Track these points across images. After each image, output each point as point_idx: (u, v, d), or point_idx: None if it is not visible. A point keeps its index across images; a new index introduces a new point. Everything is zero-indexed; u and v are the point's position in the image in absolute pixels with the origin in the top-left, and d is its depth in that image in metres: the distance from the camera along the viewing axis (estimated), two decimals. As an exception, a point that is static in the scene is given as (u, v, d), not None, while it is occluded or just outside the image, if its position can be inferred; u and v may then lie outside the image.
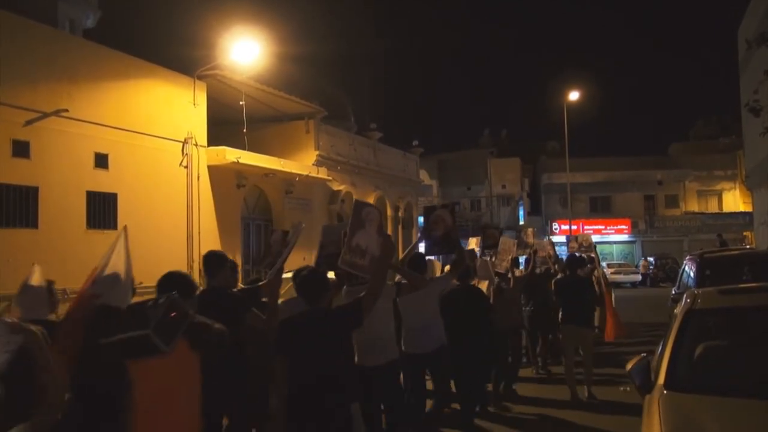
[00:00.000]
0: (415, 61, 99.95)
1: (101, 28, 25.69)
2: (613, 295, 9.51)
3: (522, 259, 9.18)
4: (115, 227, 11.37)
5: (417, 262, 5.43)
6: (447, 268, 6.24)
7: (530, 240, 9.05)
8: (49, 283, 3.85)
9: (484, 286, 7.34)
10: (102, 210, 11.25)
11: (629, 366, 3.81)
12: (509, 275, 7.73)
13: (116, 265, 3.51)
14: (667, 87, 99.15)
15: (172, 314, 2.84)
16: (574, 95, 28.36)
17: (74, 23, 23.70)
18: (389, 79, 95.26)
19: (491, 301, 7.12)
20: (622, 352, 9.26)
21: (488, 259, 7.90)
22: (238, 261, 14.98)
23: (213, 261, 4.41)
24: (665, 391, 3.39)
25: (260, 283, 4.49)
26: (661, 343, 4.27)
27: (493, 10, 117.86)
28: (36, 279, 3.77)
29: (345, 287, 4.72)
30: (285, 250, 4.12)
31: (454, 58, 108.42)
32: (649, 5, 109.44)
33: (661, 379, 3.49)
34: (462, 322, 5.74)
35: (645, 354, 3.91)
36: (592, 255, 9.49)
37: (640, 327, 12.72)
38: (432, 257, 7.03)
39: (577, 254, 8.78)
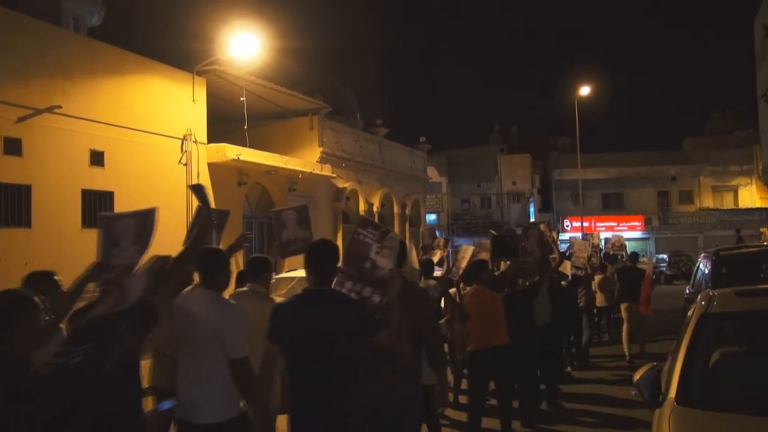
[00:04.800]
0: (424, 57, 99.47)
1: (106, 26, 25.55)
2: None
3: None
4: (111, 226, 11.13)
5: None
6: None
7: (595, 241, 11.40)
8: None
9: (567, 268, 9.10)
10: (98, 208, 10.98)
11: (637, 376, 3.45)
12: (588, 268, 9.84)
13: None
14: (681, 80, 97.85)
15: None
16: (585, 90, 27.80)
17: (78, 21, 23.57)
18: (397, 74, 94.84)
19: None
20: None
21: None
22: (240, 260, 14.72)
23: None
24: (677, 406, 3.03)
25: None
26: (672, 349, 3.90)
27: (504, 4, 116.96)
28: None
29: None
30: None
31: (463, 53, 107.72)
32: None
33: (672, 393, 3.13)
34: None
35: (654, 363, 3.54)
36: (623, 253, 12.30)
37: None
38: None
39: (610, 253, 12.17)
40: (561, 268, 8.61)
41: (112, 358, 2.37)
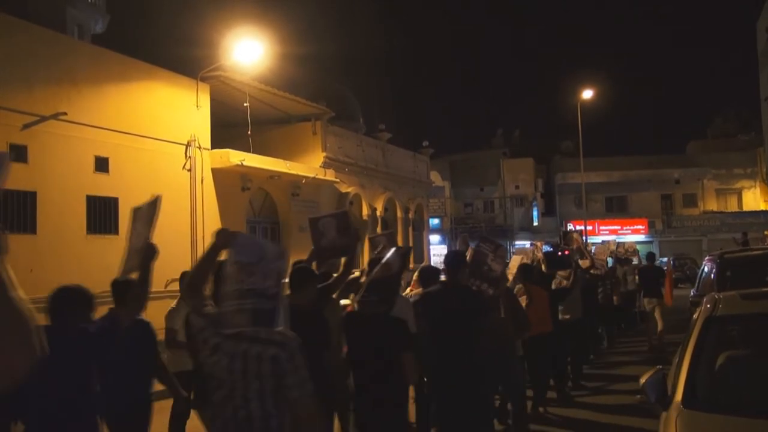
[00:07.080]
0: (427, 61, 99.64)
1: (110, 33, 25.70)
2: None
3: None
4: (116, 232, 11.16)
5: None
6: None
7: (612, 247, 13.51)
8: None
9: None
10: (102, 215, 11.06)
11: (643, 379, 3.45)
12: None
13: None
14: (684, 83, 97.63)
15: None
16: (587, 93, 27.75)
17: (83, 28, 23.74)
18: (399, 79, 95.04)
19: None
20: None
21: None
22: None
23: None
24: (683, 409, 3.03)
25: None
26: (678, 353, 3.90)
27: (506, 8, 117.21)
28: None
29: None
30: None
31: (466, 58, 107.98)
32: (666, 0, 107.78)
33: (679, 396, 3.13)
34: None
35: (660, 366, 3.54)
36: (633, 258, 14.20)
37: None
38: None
39: (621, 257, 13.68)
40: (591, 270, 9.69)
41: (388, 306, 3.89)
